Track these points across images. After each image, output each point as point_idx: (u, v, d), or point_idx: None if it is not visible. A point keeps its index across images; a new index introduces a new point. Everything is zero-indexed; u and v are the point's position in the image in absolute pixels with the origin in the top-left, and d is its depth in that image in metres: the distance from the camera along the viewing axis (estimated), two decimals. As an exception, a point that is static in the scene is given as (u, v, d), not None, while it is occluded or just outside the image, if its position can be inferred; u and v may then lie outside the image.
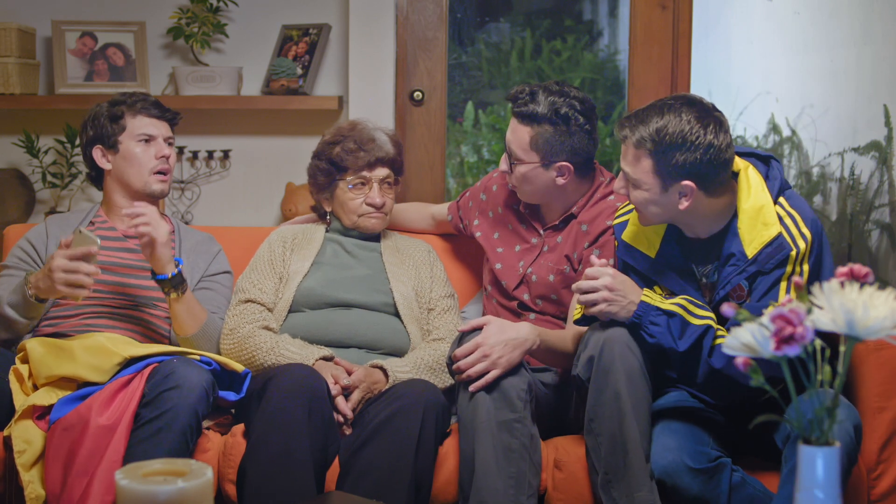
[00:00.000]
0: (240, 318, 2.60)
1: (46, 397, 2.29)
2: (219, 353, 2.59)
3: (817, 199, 3.81)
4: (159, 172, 2.70)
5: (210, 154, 3.50)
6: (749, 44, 4.75)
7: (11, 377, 2.36)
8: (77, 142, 3.28)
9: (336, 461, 2.36)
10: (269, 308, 2.64)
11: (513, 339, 2.34)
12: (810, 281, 2.19)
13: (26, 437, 2.25)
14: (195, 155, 3.50)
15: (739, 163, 2.31)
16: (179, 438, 2.22)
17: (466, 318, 2.80)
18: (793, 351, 1.34)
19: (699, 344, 2.22)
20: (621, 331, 2.25)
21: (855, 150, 3.56)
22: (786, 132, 4.11)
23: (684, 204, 2.23)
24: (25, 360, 2.40)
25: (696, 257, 2.35)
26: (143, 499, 1.43)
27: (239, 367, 2.43)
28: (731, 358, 1.42)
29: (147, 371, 2.29)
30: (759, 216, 2.24)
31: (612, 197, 2.61)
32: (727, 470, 2.22)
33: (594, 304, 2.25)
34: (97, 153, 2.71)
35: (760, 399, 1.92)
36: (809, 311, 1.36)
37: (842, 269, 1.41)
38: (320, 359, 2.48)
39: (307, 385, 2.32)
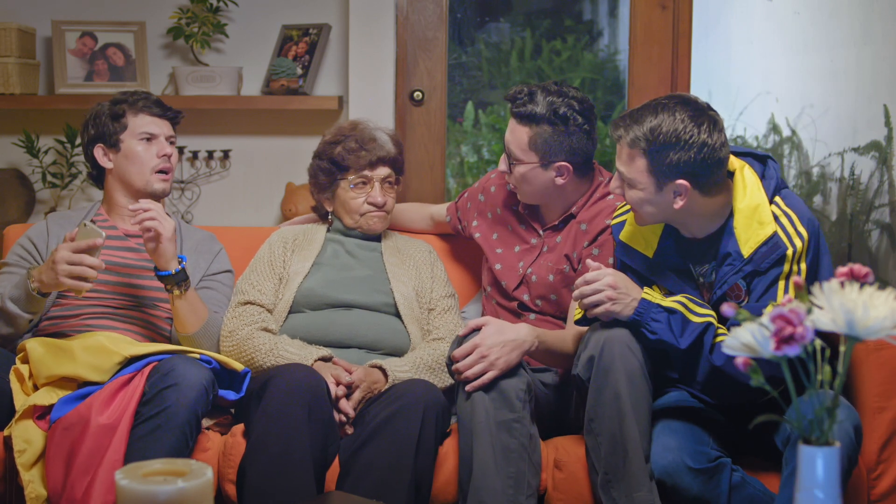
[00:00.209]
0: (239, 320, 2.60)
1: (47, 397, 2.29)
2: (219, 353, 2.59)
3: (817, 199, 3.81)
4: (161, 171, 2.69)
5: (210, 154, 3.50)
6: (749, 44, 4.75)
7: (12, 377, 2.36)
8: (77, 141, 3.28)
9: (336, 461, 2.36)
10: (269, 309, 2.64)
11: (511, 341, 2.34)
12: (808, 280, 2.19)
13: (26, 436, 2.25)
14: (195, 155, 3.50)
15: (735, 162, 2.31)
16: (178, 436, 2.22)
17: (466, 318, 2.80)
18: (793, 351, 1.34)
19: (700, 341, 2.22)
20: (622, 331, 2.25)
21: (855, 150, 3.56)
22: (786, 132, 4.11)
23: (679, 203, 2.23)
24: (26, 360, 2.40)
25: (694, 257, 2.35)
26: (143, 499, 1.43)
27: (239, 366, 2.43)
28: (731, 356, 1.42)
29: (147, 370, 2.29)
30: (755, 215, 2.24)
31: (611, 196, 2.61)
32: (727, 470, 2.22)
33: (597, 305, 2.25)
34: (98, 152, 2.71)
35: (761, 399, 1.93)
36: (809, 311, 1.36)
37: (842, 269, 1.41)
38: (319, 359, 2.48)
39: (307, 385, 2.32)
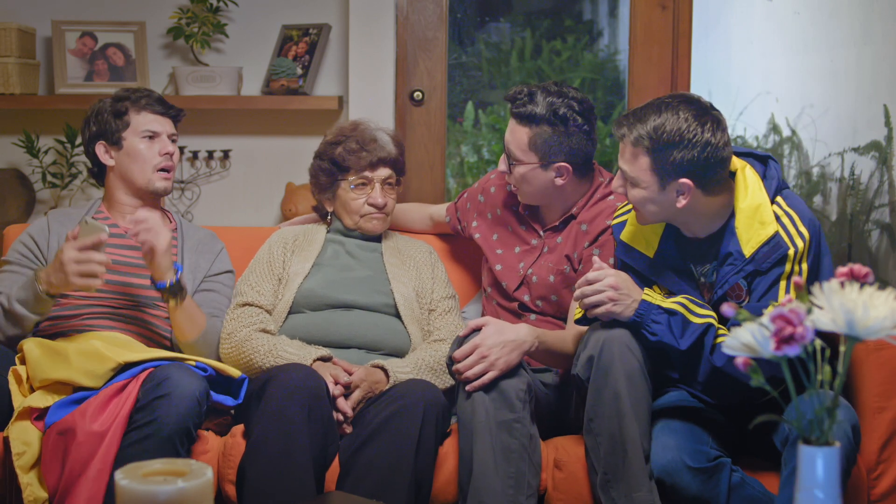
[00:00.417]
0: (237, 321, 2.59)
1: (42, 400, 2.28)
2: (218, 357, 2.59)
3: (817, 200, 3.81)
4: (163, 170, 2.69)
5: (210, 154, 3.50)
6: (749, 44, 4.75)
7: (11, 378, 2.36)
8: (77, 141, 3.28)
9: (336, 461, 2.36)
10: (268, 311, 2.64)
11: (511, 341, 2.34)
12: (809, 280, 2.19)
13: (25, 438, 2.25)
14: (195, 155, 3.50)
15: (737, 162, 2.31)
16: (168, 447, 2.20)
17: (466, 318, 2.80)
18: (793, 351, 1.34)
19: (700, 342, 2.22)
20: (621, 331, 2.25)
21: (855, 150, 3.56)
22: (786, 132, 4.11)
23: (682, 202, 2.23)
24: (24, 361, 2.39)
25: (694, 257, 2.35)
26: (143, 499, 1.43)
27: (235, 373, 2.42)
28: (732, 357, 1.42)
29: (142, 376, 2.27)
30: (756, 215, 2.24)
31: (611, 197, 2.61)
32: (727, 470, 2.22)
33: (598, 305, 2.25)
34: (100, 149, 2.70)
35: (761, 399, 1.93)
36: (809, 311, 1.36)
37: (842, 269, 1.41)
38: (318, 359, 2.48)
39: (306, 385, 2.32)
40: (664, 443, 2.23)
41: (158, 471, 1.49)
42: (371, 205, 2.73)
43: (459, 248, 3.00)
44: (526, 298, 2.67)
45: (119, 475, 1.46)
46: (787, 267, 2.20)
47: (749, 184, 2.28)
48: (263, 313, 2.62)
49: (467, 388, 2.32)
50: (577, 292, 2.29)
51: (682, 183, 2.21)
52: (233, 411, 2.51)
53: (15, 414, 2.27)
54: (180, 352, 2.55)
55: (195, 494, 1.45)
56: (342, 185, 2.74)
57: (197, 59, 3.45)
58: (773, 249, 2.21)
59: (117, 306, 2.59)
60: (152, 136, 2.68)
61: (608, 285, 2.23)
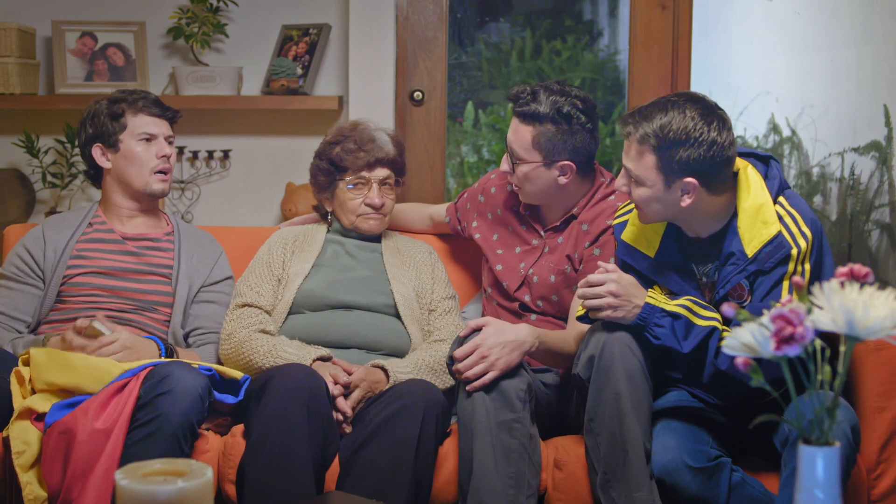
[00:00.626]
0: (237, 322, 2.59)
1: (41, 403, 2.28)
2: (219, 359, 2.59)
3: (817, 199, 3.81)
4: (160, 172, 2.68)
5: (210, 154, 3.50)
6: (749, 44, 4.75)
7: (13, 379, 2.36)
8: (77, 141, 3.28)
9: (336, 461, 2.36)
10: (267, 311, 2.64)
11: (511, 341, 2.34)
12: (811, 280, 2.19)
13: (25, 438, 2.25)
14: (195, 155, 3.50)
15: (739, 162, 2.31)
16: (172, 443, 2.20)
17: (466, 318, 2.80)
18: (793, 351, 1.34)
19: (704, 345, 2.22)
20: (622, 331, 2.25)
21: (855, 150, 3.56)
22: (786, 132, 4.11)
23: (686, 201, 2.23)
24: (28, 364, 2.39)
25: (696, 256, 2.35)
26: (143, 499, 1.43)
27: (238, 375, 2.42)
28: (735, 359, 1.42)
29: (143, 374, 2.27)
30: (759, 215, 2.24)
31: (612, 197, 2.61)
32: (727, 469, 2.22)
33: (599, 309, 2.25)
34: (97, 152, 2.70)
35: (764, 400, 1.93)
36: (809, 311, 1.36)
37: (842, 269, 1.41)
38: (318, 359, 2.48)
39: (306, 385, 2.32)
40: (664, 442, 2.23)
41: (158, 471, 1.49)
42: (368, 205, 2.72)
43: (459, 248, 3.00)
44: (527, 298, 2.67)
45: (119, 475, 1.46)
46: (791, 267, 2.20)
47: (751, 184, 2.28)
48: (263, 314, 2.62)
49: (468, 388, 2.32)
50: (580, 292, 2.29)
51: (688, 182, 2.21)
52: (233, 411, 2.51)
53: (15, 414, 2.27)
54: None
55: (195, 494, 1.45)
56: (340, 185, 2.74)
57: (197, 59, 3.45)
58: (776, 249, 2.21)
59: (116, 309, 2.59)
60: (149, 139, 2.68)
61: (608, 292, 2.23)
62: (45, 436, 2.23)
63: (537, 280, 2.65)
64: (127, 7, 3.47)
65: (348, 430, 2.40)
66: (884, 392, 2.40)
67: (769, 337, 1.36)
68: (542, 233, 2.69)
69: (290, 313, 2.64)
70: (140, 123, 2.67)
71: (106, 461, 2.17)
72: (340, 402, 2.40)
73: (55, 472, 2.21)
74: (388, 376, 2.47)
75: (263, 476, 2.25)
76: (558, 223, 2.65)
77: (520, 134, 2.56)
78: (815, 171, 3.89)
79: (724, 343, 1.42)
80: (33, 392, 2.35)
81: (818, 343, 1.36)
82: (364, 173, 2.72)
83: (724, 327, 2.23)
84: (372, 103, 3.35)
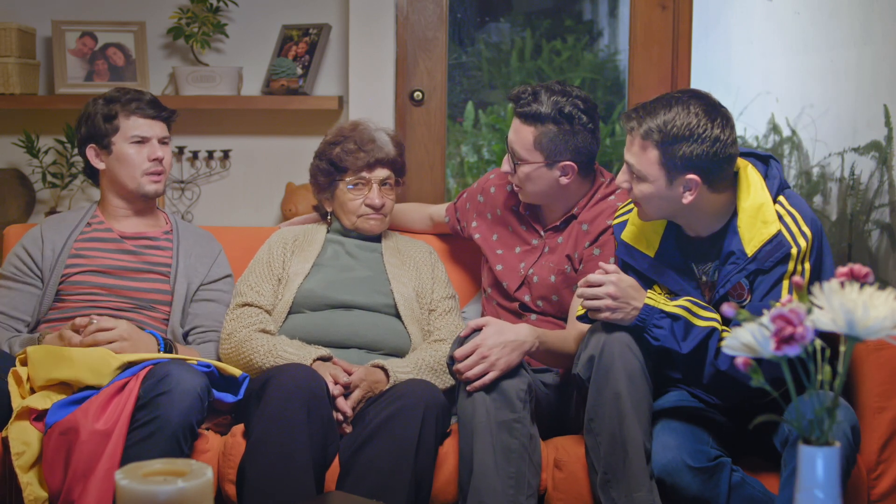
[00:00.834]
0: (237, 322, 2.59)
1: (42, 401, 2.28)
2: (218, 359, 2.59)
3: (817, 199, 3.81)
4: (152, 173, 2.68)
5: (210, 154, 3.50)
6: (749, 44, 4.75)
7: (10, 379, 2.36)
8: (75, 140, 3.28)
9: (336, 461, 2.36)
10: (267, 311, 2.64)
11: (511, 342, 2.34)
12: (811, 280, 2.19)
13: (25, 438, 2.25)
14: (195, 155, 3.50)
15: (739, 162, 2.31)
16: (172, 443, 2.20)
17: (466, 318, 2.80)
18: (793, 351, 1.34)
19: (704, 346, 2.22)
20: (622, 331, 2.25)
21: (855, 150, 3.56)
22: (786, 132, 4.10)
23: (688, 198, 2.23)
24: (25, 363, 2.39)
25: (696, 256, 2.35)
26: (143, 499, 1.43)
27: (236, 372, 2.42)
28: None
29: (142, 374, 2.27)
30: (759, 214, 2.24)
31: (612, 197, 2.61)
32: (727, 469, 2.22)
33: (598, 310, 2.25)
34: (91, 153, 2.70)
35: (764, 400, 1.92)
36: (809, 311, 1.36)
37: (842, 269, 1.41)
38: (318, 359, 2.48)
39: (306, 385, 2.32)
40: (664, 442, 2.23)
41: (158, 471, 1.49)
42: (368, 205, 2.72)
43: (459, 248, 3.00)
44: (527, 298, 2.67)
45: (119, 475, 1.46)
46: (791, 266, 2.20)
47: (752, 183, 2.28)
48: (263, 313, 2.62)
49: (468, 388, 2.32)
50: (579, 291, 2.29)
51: (690, 179, 2.21)
52: (232, 414, 2.51)
53: (14, 414, 2.27)
54: None
55: (195, 494, 1.45)
56: (340, 186, 2.74)
57: (197, 59, 3.45)
58: (776, 248, 2.21)
59: (114, 308, 2.59)
60: (141, 141, 2.67)
61: (606, 294, 2.23)
62: (46, 436, 2.23)
63: (537, 280, 2.64)
64: (127, 7, 3.47)
65: (348, 430, 2.40)
66: (884, 392, 2.40)
67: (769, 337, 1.36)
68: (542, 232, 2.69)
69: (290, 313, 2.64)
70: (132, 126, 2.67)
71: (107, 462, 2.18)
72: (340, 402, 2.40)
73: (56, 472, 2.21)
74: (388, 376, 2.47)
75: (263, 476, 2.25)
76: (558, 223, 2.65)
77: (521, 134, 2.56)
78: (815, 171, 3.89)
79: (724, 343, 1.42)
80: (32, 391, 2.35)
81: (818, 343, 1.36)
82: (364, 174, 2.72)
83: (724, 327, 2.23)
84: (372, 103, 3.35)
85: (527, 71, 4.49)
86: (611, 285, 2.23)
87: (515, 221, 2.75)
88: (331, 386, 2.39)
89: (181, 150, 3.47)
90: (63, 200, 3.50)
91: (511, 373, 2.33)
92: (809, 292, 1.40)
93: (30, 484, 2.23)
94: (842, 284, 1.36)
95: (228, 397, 2.40)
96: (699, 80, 3.63)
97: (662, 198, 2.25)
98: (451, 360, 2.37)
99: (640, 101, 2.43)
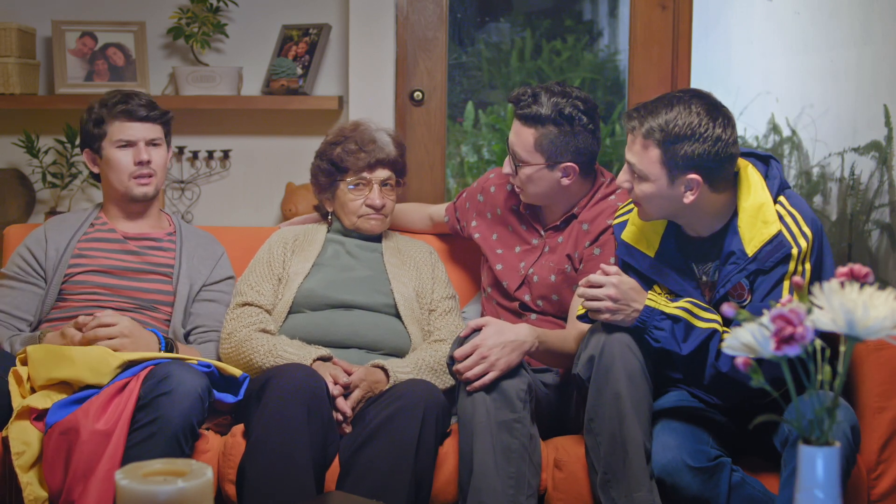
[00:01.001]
0: (237, 321, 2.59)
1: (42, 401, 2.28)
2: (219, 359, 2.59)
3: (817, 199, 3.81)
4: (139, 176, 2.68)
5: (210, 154, 3.50)
6: (749, 44, 4.75)
7: (11, 378, 2.36)
8: (77, 141, 3.29)
9: (336, 461, 2.36)
10: (267, 311, 2.64)
11: (511, 342, 2.34)
12: (812, 280, 2.19)
13: (25, 438, 2.25)
14: (195, 155, 3.50)
15: (739, 162, 2.31)
16: (173, 444, 2.20)
17: (466, 318, 2.80)
18: (793, 351, 1.34)
19: (705, 347, 2.22)
20: (623, 331, 2.25)
21: (855, 150, 3.56)
22: (786, 132, 4.11)
23: (690, 198, 2.23)
24: (25, 363, 2.39)
25: (696, 256, 2.35)
26: (143, 499, 1.43)
27: (237, 372, 2.42)
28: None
29: (143, 374, 2.27)
30: (759, 214, 2.24)
31: (612, 197, 2.61)
32: (727, 469, 2.22)
33: (598, 311, 2.25)
34: (87, 157, 2.74)
35: (764, 400, 1.93)
36: (809, 311, 1.36)
37: (842, 269, 1.41)
38: (318, 359, 2.48)
39: (306, 385, 2.32)
40: (664, 442, 2.23)
41: (158, 471, 1.49)
42: (369, 206, 2.73)
43: (459, 248, 3.00)
44: (527, 298, 2.67)
45: (119, 475, 1.46)
46: (791, 266, 2.20)
47: (752, 183, 2.28)
48: (263, 313, 2.62)
49: (468, 388, 2.32)
50: (579, 291, 2.29)
51: (691, 178, 2.21)
52: (232, 415, 2.51)
53: (14, 414, 2.27)
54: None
55: (195, 494, 1.45)
56: (341, 186, 2.74)
57: (197, 59, 3.45)
58: (776, 248, 2.21)
59: (116, 308, 2.59)
60: (127, 145, 2.67)
61: (606, 295, 2.23)
62: (46, 436, 2.23)
63: (537, 279, 2.64)
64: (127, 7, 3.47)
65: (348, 430, 2.40)
66: (884, 392, 2.40)
67: (769, 337, 1.36)
68: (542, 232, 2.69)
69: (290, 312, 2.64)
70: (118, 130, 2.67)
71: (107, 462, 2.18)
72: (340, 402, 2.40)
73: (56, 472, 2.21)
74: (388, 376, 2.47)
75: (263, 476, 2.25)
76: (558, 222, 2.65)
77: (522, 136, 2.56)
78: (815, 171, 3.89)
79: (724, 344, 1.42)
80: (33, 391, 2.35)
81: (818, 343, 1.36)
82: (365, 174, 2.72)
83: (725, 328, 2.23)
84: (372, 103, 3.35)
85: (527, 71, 4.49)
86: (611, 287, 2.23)
87: (515, 221, 2.75)
88: (331, 386, 2.39)
89: (181, 150, 3.47)
90: (63, 200, 3.50)
91: (511, 373, 2.33)
92: (810, 293, 1.40)
93: (30, 484, 2.23)
94: (842, 284, 1.36)
95: (229, 398, 2.40)
96: (699, 80, 3.63)
97: (664, 197, 2.25)
98: (451, 360, 2.37)
99: (640, 101, 2.43)
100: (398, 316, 2.66)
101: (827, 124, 3.90)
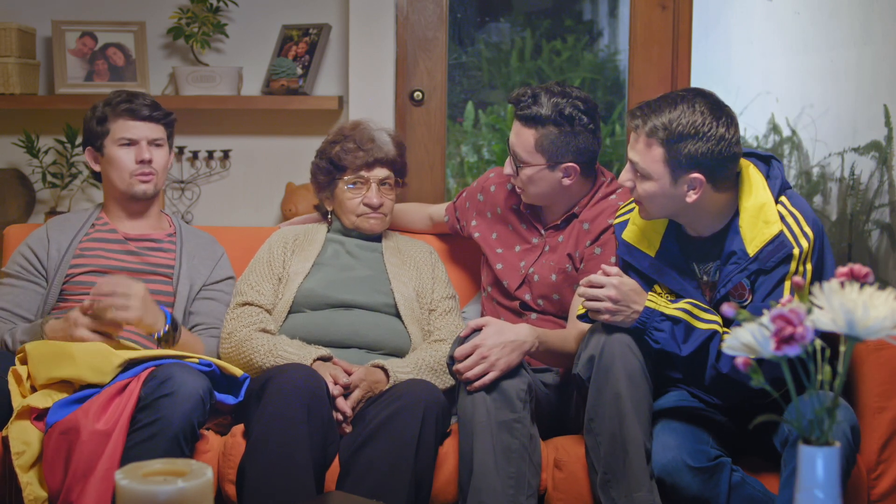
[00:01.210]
0: (237, 321, 2.59)
1: (43, 400, 2.28)
2: (218, 357, 2.59)
3: (817, 199, 3.81)
4: (141, 174, 2.69)
5: (210, 154, 3.50)
6: (749, 44, 4.75)
7: (10, 378, 2.36)
8: (77, 141, 3.29)
9: (336, 461, 2.36)
10: (267, 310, 2.64)
11: (511, 342, 2.34)
12: (813, 280, 2.19)
13: (25, 438, 2.25)
14: (195, 155, 3.50)
15: (741, 161, 2.31)
16: (174, 446, 2.20)
17: (466, 318, 2.80)
18: (793, 351, 1.34)
19: (705, 348, 2.22)
20: (623, 331, 2.25)
21: (855, 150, 3.56)
22: (786, 132, 4.10)
23: (692, 197, 2.23)
24: (25, 362, 2.39)
25: (697, 256, 2.35)
26: (143, 499, 1.43)
27: (238, 372, 2.42)
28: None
29: (144, 374, 2.27)
30: (761, 214, 2.24)
31: (613, 196, 2.62)
32: (727, 469, 2.22)
33: (598, 311, 2.25)
34: (89, 155, 2.75)
35: (764, 400, 1.93)
36: (809, 311, 1.36)
37: (842, 269, 1.41)
38: (318, 359, 2.48)
39: (306, 385, 2.32)
40: (665, 442, 2.23)
41: (158, 471, 1.49)
42: (366, 205, 2.73)
43: (459, 248, 3.00)
44: (527, 297, 2.67)
45: (119, 475, 1.46)
46: (792, 267, 2.20)
47: (753, 183, 2.28)
48: (263, 313, 2.62)
49: (468, 388, 2.32)
50: (580, 290, 2.29)
51: (694, 177, 2.21)
52: (232, 415, 2.51)
53: (14, 413, 2.27)
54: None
55: (195, 494, 1.45)
56: (339, 185, 2.75)
57: (197, 59, 3.45)
58: (778, 248, 2.21)
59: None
60: (129, 143, 2.68)
61: (607, 296, 2.23)
62: (46, 436, 2.23)
63: (538, 279, 2.64)
64: (127, 7, 3.47)
65: (348, 430, 2.40)
66: (884, 392, 2.40)
67: (769, 337, 1.36)
68: (543, 231, 2.69)
69: (290, 312, 2.64)
70: (120, 128, 2.68)
71: (107, 462, 2.17)
72: (340, 402, 2.40)
73: (56, 472, 2.21)
74: (388, 376, 2.47)
75: (263, 476, 2.25)
76: (559, 222, 2.65)
77: (522, 137, 2.56)
78: (815, 171, 3.89)
79: (724, 344, 1.42)
80: (33, 389, 2.35)
81: (818, 343, 1.36)
82: (363, 173, 2.72)
83: (725, 329, 2.23)
84: (372, 103, 3.35)
85: (527, 71, 4.49)
86: (612, 288, 2.23)
87: (516, 220, 2.75)
88: (331, 386, 2.39)
89: (181, 150, 3.47)
90: (63, 200, 3.50)
91: (511, 373, 2.33)
92: (811, 293, 1.40)
93: (30, 483, 2.23)
94: (842, 284, 1.36)
95: (230, 399, 2.40)
96: (699, 80, 3.63)
97: (666, 196, 2.25)
98: (451, 360, 2.37)
99: (641, 101, 2.43)
100: (398, 316, 2.66)
101: (827, 124, 3.90)
